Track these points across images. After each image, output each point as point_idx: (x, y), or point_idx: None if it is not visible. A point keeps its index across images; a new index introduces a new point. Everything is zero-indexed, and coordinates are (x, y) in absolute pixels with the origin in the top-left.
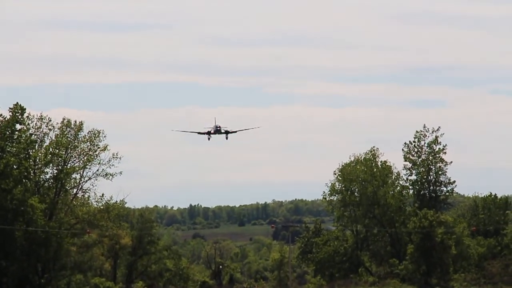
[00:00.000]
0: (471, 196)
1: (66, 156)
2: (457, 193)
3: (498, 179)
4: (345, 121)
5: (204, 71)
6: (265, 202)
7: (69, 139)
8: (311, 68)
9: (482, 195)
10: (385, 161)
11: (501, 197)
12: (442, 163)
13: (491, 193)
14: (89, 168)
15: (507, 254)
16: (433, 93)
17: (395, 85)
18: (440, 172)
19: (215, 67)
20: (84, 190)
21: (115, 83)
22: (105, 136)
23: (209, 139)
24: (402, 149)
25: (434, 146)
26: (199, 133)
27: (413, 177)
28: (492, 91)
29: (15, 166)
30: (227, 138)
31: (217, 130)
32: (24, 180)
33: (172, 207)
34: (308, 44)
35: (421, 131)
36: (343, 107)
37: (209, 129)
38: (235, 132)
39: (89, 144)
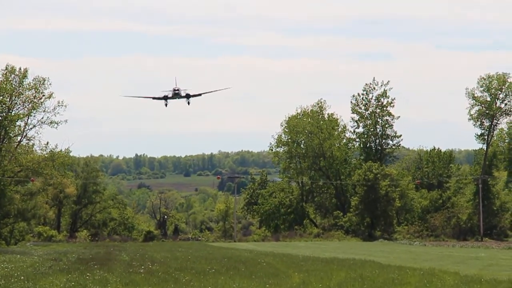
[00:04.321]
0: (416, 150)
1: (10, 103)
2: (402, 146)
3: (443, 134)
4: (292, 73)
5: (153, 20)
6: (211, 153)
7: (13, 86)
8: (260, 19)
9: (427, 149)
10: (332, 114)
11: (445, 151)
12: (389, 116)
13: (435, 147)
14: (34, 116)
15: (449, 207)
16: (380, 46)
17: (343, 38)
18: (387, 126)
19: (164, 15)
20: (28, 138)
21: (60, 30)
22: (50, 84)
23: (166, 105)
24: (350, 101)
25: (382, 99)
26: (154, 98)
27: (360, 129)
28: (437, 46)
29: None
30: (188, 103)
31: (176, 94)
32: None
33: (118, 156)
34: None
35: (370, 83)
36: (291, 59)
37: (166, 93)
38: (200, 95)
39: (34, 92)
